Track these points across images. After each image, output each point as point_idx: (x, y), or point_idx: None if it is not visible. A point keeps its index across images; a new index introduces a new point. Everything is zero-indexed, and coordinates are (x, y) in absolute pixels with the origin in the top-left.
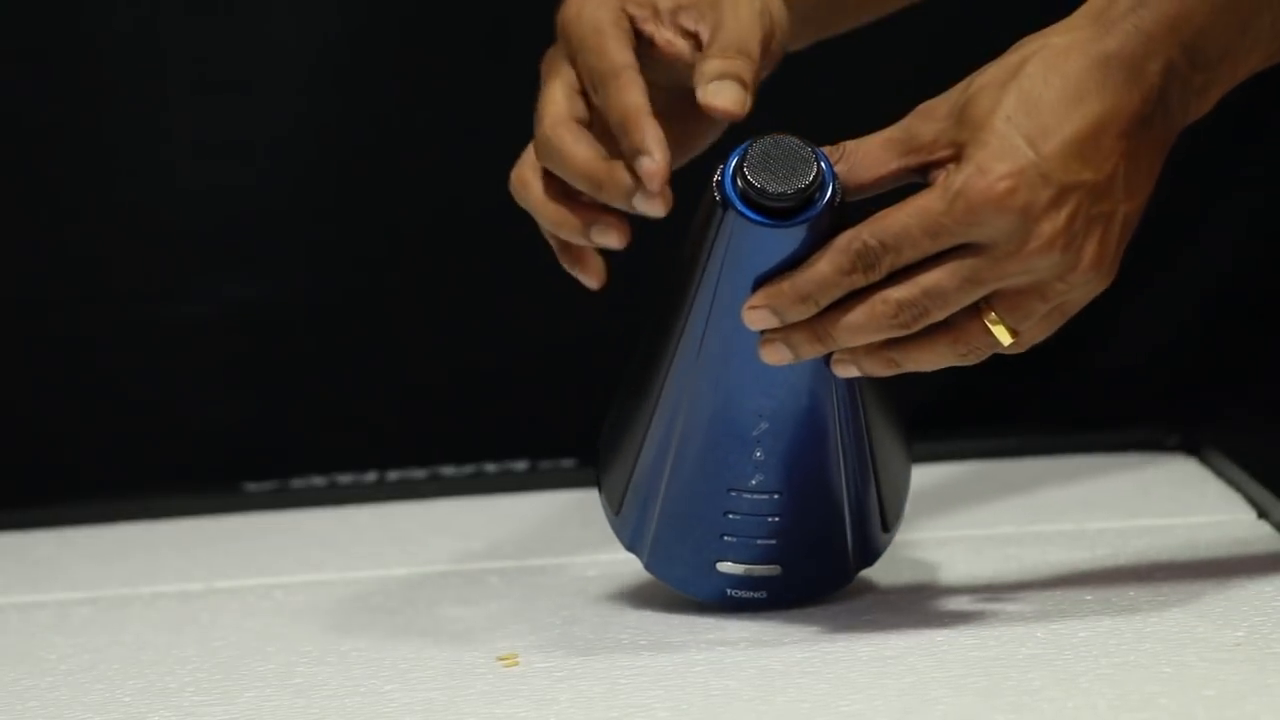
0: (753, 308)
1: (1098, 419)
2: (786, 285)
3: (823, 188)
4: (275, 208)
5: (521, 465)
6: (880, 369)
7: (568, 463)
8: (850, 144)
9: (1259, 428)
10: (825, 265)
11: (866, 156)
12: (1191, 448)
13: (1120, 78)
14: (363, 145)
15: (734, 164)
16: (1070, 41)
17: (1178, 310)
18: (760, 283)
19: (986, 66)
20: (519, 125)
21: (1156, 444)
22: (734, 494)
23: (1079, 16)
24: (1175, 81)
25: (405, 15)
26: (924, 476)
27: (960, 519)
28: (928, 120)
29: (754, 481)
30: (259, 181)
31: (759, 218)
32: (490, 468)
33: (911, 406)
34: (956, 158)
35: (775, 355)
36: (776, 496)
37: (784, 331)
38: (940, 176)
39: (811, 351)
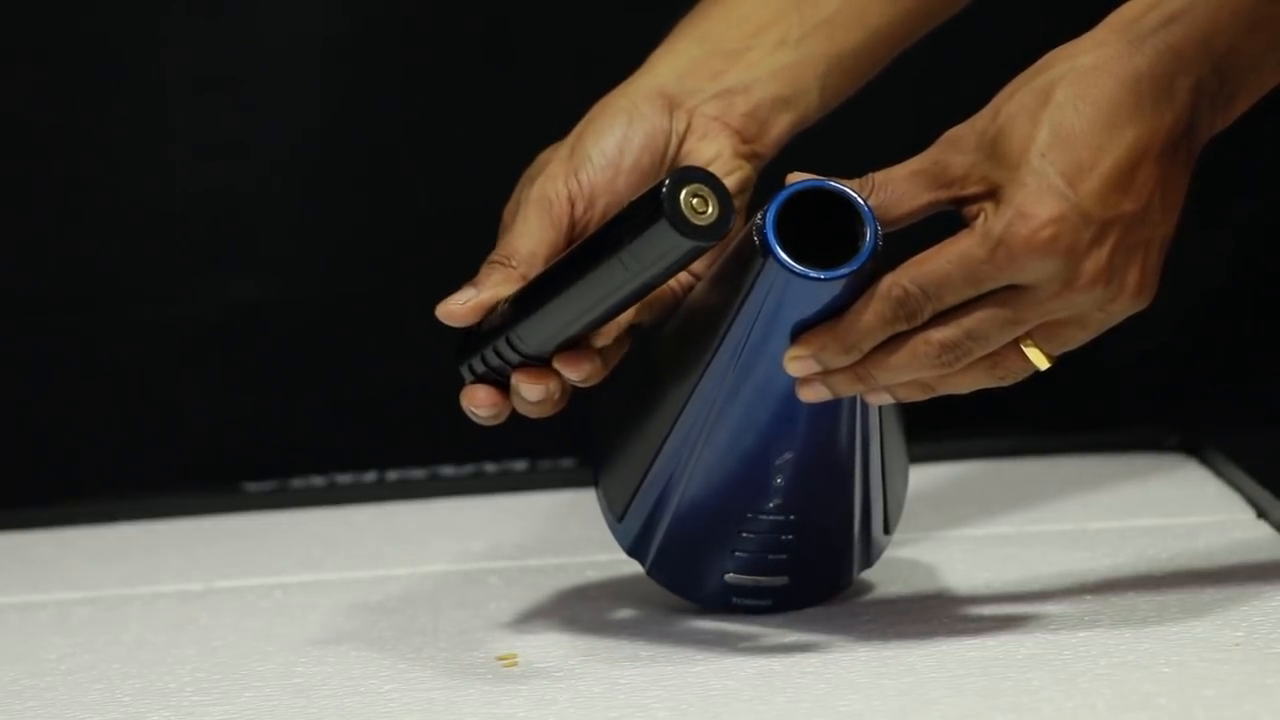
0: (796, 357)
1: (1098, 419)
2: (830, 335)
3: (866, 237)
4: (275, 208)
5: (521, 465)
6: (916, 396)
7: (567, 462)
8: (879, 177)
9: (1259, 428)
10: (869, 315)
11: (897, 191)
12: (1191, 448)
13: (1151, 99)
14: (363, 145)
15: (777, 212)
16: (1099, 60)
17: (1177, 310)
18: (800, 328)
19: (1012, 88)
20: (519, 124)
21: (1156, 444)
22: (750, 516)
23: (1106, 30)
24: (1204, 99)
25: (407, 14)
26: (924, 476)
27: (960, 519)
28: (957, 151)
29: (771, 505)
30: (259, 182)
31: (803, 269)
32: (490, 467)
33: (911, 406)
34: (992, 196)
35: (814, 395)
36: (792, 517)
37: (824, 374)
38: (977, 217)
39: (851, 391)
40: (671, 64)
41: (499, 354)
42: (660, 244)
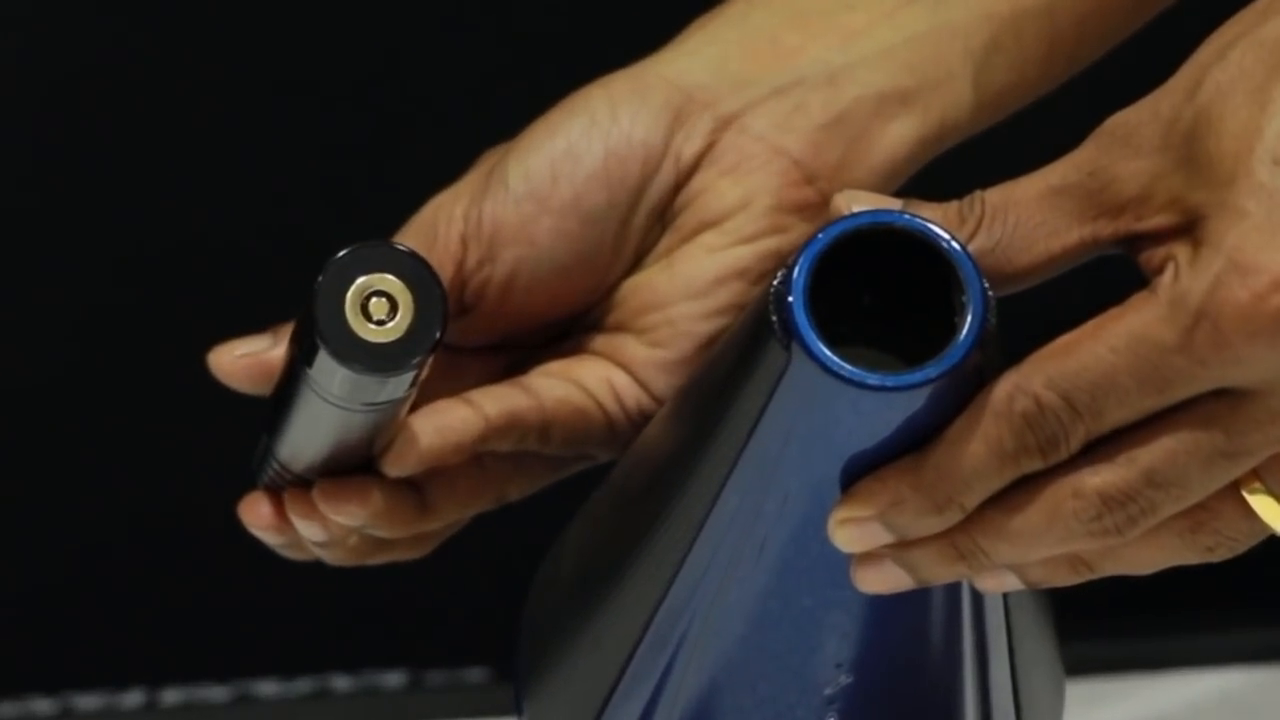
0: (850, 520)
1: None
2: (908, 482)
3: (967, 310)
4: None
5: (395, 678)
6: (1063, 580)
7: (474, 674)
8: (994, 198)
9: None
10: (976, 445)
11: (1026, 223)
12: None
13: None
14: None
15: (810, 269)
16: None
17: None
18: (855, 468)
19: (1220, 43)
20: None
21: None
22: None
23: None
24: None
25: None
26: (1096, 694)
27: None
28: (1129, 153)
29: None
30: None
31: (857, 372)
32: (305, 684)
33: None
34: (1189, 232)
35: (883, 581)
36: None
37: (900, 546)
38: (1162, 269)
39: (949, 575)
40: (711, 40)
41: (274, 466)
42: (327, 373)
